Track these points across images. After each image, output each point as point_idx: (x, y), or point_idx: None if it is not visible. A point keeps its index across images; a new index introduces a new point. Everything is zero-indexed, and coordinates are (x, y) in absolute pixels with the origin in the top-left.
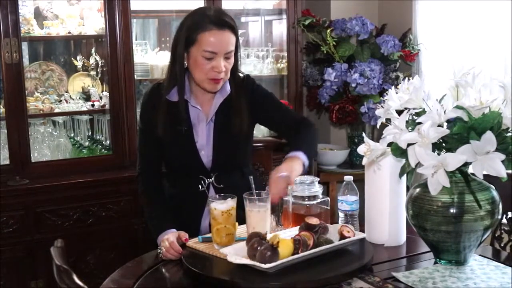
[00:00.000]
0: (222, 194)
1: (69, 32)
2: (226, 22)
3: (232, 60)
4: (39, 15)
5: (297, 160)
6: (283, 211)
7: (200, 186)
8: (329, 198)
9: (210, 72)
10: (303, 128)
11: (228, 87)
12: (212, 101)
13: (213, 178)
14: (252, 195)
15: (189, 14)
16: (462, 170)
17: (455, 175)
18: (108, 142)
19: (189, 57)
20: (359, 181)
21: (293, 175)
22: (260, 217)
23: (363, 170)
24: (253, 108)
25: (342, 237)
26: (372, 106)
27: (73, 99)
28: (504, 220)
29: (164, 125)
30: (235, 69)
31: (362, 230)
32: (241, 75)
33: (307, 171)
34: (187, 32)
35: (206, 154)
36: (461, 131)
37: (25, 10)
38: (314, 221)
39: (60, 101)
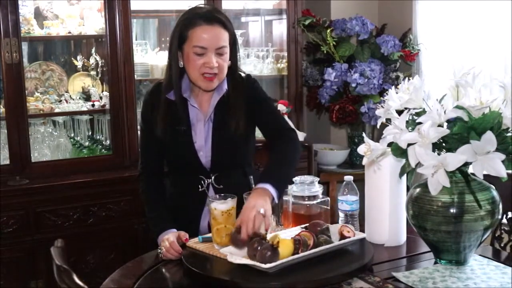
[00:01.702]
0: (222, 194)
1: (69, 32)
2: (216, 17)
3: (225, 57)
4: (39, 15)
5: (267, 195)
6: (283, 211)
7: (199, 186)
8: (329, 198)
9: (202, 68)
10: (282, 143)
11: (225, 86)
12: (210, 100)
13: (212, 179)
14: None
15: (182, 13)
16: (462, 170)
17: (455, 175)
18: (108, 142)
19: (182, 55)
20: (359, 181)
21: (268, 214)
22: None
23: (363, 170)
24: (251, 107)
25: (342, 237)
26: (372, 106)
27: (73, 99)
28: (504, 220)
29: (163, 124)
30: (234, 68)
31: (362, 230)
32: (242, 74)
33: (274, 205)
34: (179, 31)
35: (204, 154)
36: (461, 131)
37: (25, 10)
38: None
39: (60, 101)
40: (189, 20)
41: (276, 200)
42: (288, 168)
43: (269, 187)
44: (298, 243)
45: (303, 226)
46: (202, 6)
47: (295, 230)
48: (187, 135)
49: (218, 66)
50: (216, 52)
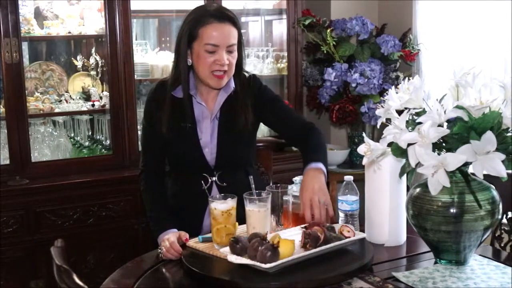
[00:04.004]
0: (222, 194)
1: (69, 32)
2: (226, 15)
3: (235, 54)
4: (39, 15)
5: (320, 173)
6: (283, 211)
7: (203, 184)
8: None
9: (213, 66)
10: (313, 135)
11: (232, 84)
12: (217, 98)
13: (216, 177)
14: (252, 195)
15: (191, 11)
16: (462, 170)
17: (455, 175)
18: (108, 142)
19: (192, 53)
20: (359, 181)
21: (329, 202)
22: (260, 217)
23: (363, 170)
24: (258, 108)
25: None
26: (372, 106)
27: (73, 99)
28: (504, 220)
29: (168, 121)
30: (240, 66)
31: (362, 230)
32: (246, 74)
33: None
34: (189, 28)
35: (210, 151)
36: (461, 131)
37: (25, 10)
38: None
39: (60, 101)
40: (199, 18)
41: (326, 176)
42: (326, 154)
43: (321, 165)
44: (308, 238)
45: (303, 226)
46: (210, 5)
47: (295, 230)
48: (193, 132)
49: (229, 63)
50: (227, 50)
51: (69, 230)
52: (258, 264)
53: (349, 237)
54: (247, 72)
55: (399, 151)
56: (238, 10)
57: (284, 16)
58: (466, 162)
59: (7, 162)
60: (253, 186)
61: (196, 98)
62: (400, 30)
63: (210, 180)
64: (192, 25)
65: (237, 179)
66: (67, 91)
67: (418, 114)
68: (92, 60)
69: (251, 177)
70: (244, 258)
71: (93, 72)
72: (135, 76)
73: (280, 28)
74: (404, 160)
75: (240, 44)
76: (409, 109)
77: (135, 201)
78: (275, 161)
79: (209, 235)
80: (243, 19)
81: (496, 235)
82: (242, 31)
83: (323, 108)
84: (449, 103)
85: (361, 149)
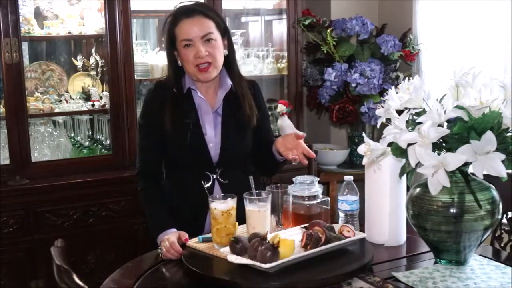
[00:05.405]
0: (222, 194)
1: (69, 32)
2: (195, 9)
3: (214, 44)
4: (39, 15)
5: None
6: (283, 211)
7: (205, 182)
8: (329, 198)
9: (195, 60)
10: None
11: (228, 82)
12: (216, 95)
13: (218, 174)
14: (252, 195)
15: (168, 15)
16: (462, 170)
17: (455, 175)
18: (108, 142)
19: (178, 54)
20: (359, 181)
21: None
22: (260, 217)
23: (363, 170)
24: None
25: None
26: (372, 106)
27: (73, 99)
28: (504, 220)
29: (172, 118)
30: (232, 60)
31: (362, 230)
32: (247, 77)
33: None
34: (168, 32)
35: (214, 147)
36: (461, 131)
37: (25, 10)
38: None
39: (60, 101)
40: (172, 20)
41: None
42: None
43: None
44: (310, 239)
45: (303, 226)
46: (184, 4)
47: (295, 230)
48: (197, 128)
49: (209, 54)
50: (204, 40)
51: (69, 230)
52: (258, 264)
53: (349, 237)
54: (248, 79)
55: (399, 151)
56: (238, 10)
57: (284, 16)
58: (466, 162)
59: (7, 162)
60: (253, 186)
61: (197, 92)
62: (400, 30)
63: (212, 177)
64: (170, 28)
65: (237, 177)
66: (67, 91)
67: (418, 114)
68: (92, 60)
69: (251, 177)
70: (244, 258)
71: (93, 72)
72: (135, 76)
73: (280, 28)
74: (404, 160)
75: (227, 35)
76: (409, 109)
77: (135, 201)
78: None
79: (209, 235)
80: (243, 19)
81: (496, 235)
82: (242, 31)
83: (323, 108)
84: (449, 103)
85: (361, 149)
